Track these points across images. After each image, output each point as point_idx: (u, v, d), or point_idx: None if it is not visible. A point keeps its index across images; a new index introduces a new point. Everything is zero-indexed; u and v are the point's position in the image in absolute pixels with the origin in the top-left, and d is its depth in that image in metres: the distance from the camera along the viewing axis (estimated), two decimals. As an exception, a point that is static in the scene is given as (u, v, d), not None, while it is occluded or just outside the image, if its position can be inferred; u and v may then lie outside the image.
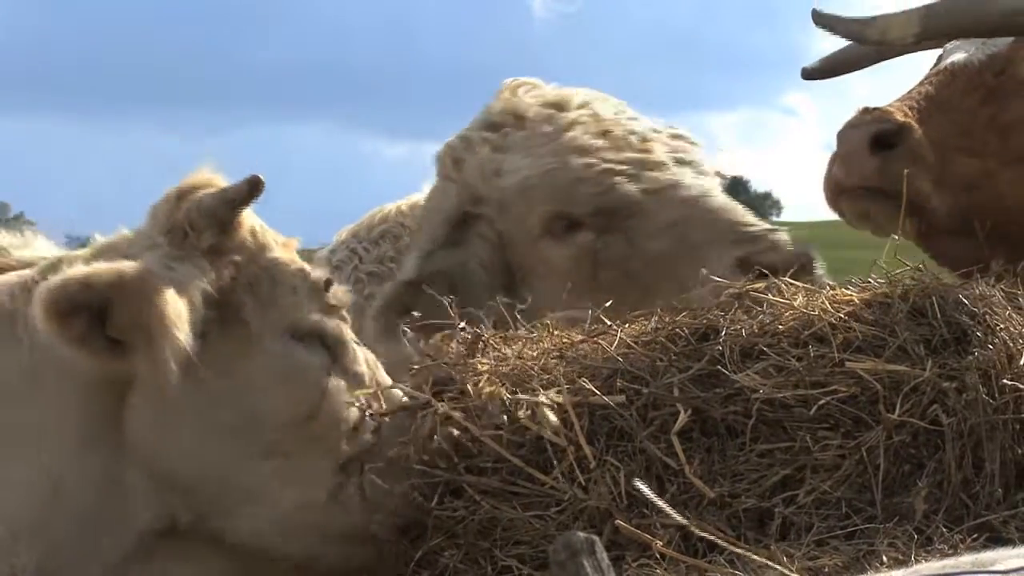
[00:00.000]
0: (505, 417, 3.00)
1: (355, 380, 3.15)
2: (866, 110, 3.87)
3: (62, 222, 3.14)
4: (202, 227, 3.01)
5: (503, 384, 3.07)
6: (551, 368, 3.11)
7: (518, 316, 3.34)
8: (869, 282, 3.24)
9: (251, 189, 3.01)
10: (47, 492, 2.93)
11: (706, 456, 2.94)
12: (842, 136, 3.88)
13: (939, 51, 4.20)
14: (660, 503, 2.82)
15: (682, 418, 2.94)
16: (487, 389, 3.06)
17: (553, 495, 2.92)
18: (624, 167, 4.07)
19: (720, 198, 4.04)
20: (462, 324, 3.26)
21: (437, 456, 3.01)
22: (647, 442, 2.93)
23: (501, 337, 3.26)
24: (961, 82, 3.95)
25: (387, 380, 3.24)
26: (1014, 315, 3.11)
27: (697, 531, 2.79)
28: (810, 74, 4.41)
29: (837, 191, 3.91)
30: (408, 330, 3.49)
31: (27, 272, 3.08)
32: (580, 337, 3.24)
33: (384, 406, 3.14)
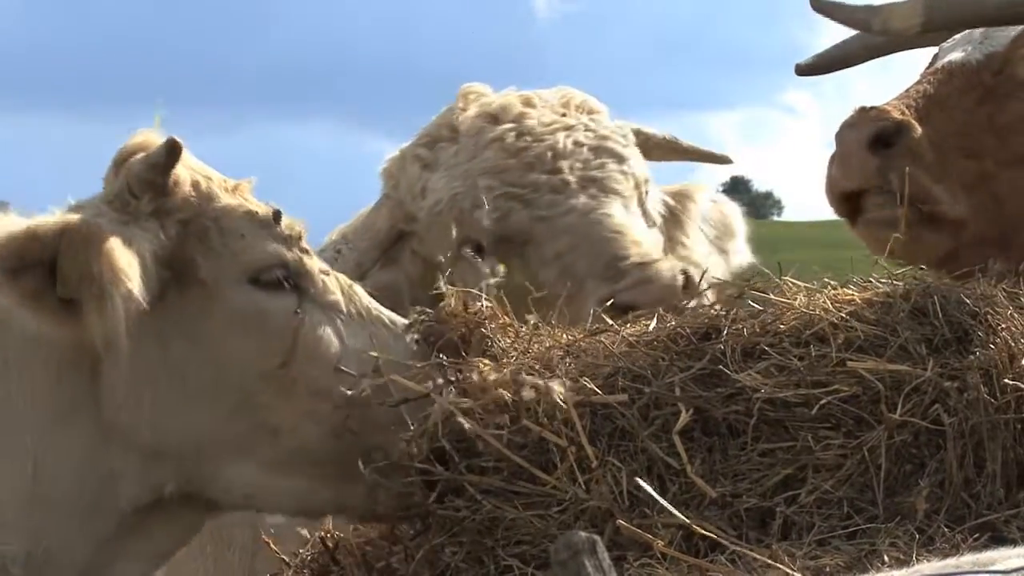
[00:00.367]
0: (508, 417, 3.00)
1: (330, 310, 3.10)
2: (863, 109, 3.83)
3: (48, 207, 3.12)
4: (139, 193, 2.97)
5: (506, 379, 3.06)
6: (553, 365, 3.10)
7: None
8: (870, 282, 3.24)
9: (169, 152, 2.96)
10: (28, 476, 2.92)
11: (708, 456, 2.94)
12: (840, 136, 3.85)
13: (934, 49, 4.18)
14: (662, 501, 2.82)
15: (684, 417, 2.93)
16: (492, 376, 3.04)
17: (555, 495, 2.92)
18: (523, 191, 4.07)
19: (611, 224, 3.98)
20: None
21: (439, 455, 3.00)
22: (649, 441, 2.93)
23: (506, 329, 3.24)
24: (959, 81, 3.92)
25: (370, 303, 3.19)
26: (1016, 315, 3.10)
27: (699, 529, 2.79)
28: (803, 70, 4.38)
29: (837, 191, 3.89)
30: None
31: None
32: (582, 335, 3.23)
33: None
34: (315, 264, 3.14)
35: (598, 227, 3.97)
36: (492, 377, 3.03)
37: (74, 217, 2.84)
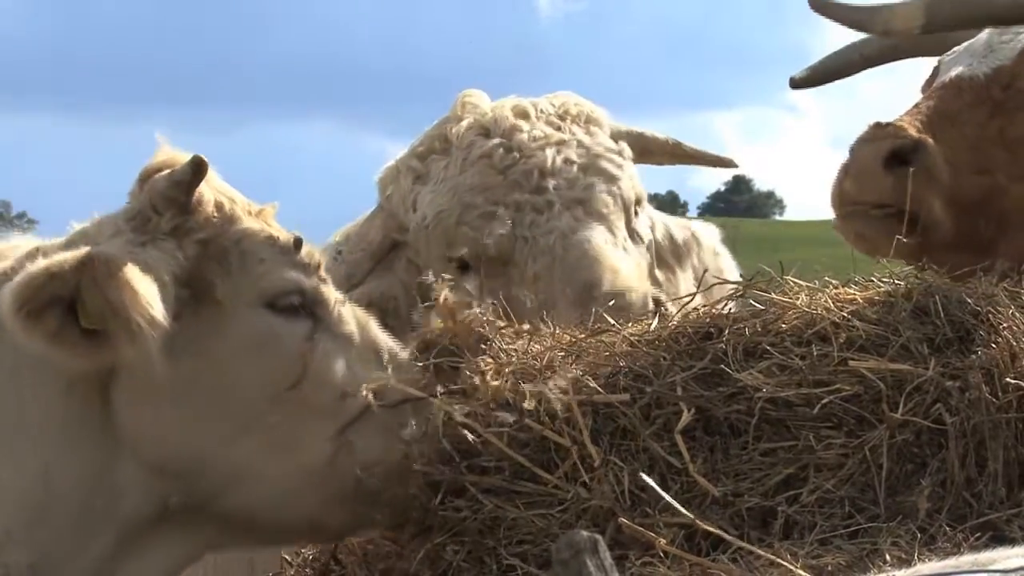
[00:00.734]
0: (510, 417, 3.00)
1: (342, 340, 3.11)
2: (879, 125, 3.79)
3: (65, 221, 3.12)
4: (161, 210, 2.98)
5: (507, 380, 3.07)
6: (555, 365, 3.10)
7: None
8: (872, 281, 3.24)
9: (195, 170, 2.97)
10: (38, 488, 2.92)
11: (709, 455, 2.94)
12: (856, 151, 3.80)
13: (933, 60, 4.16)
14: (667, 497, 2.82)
15: (685, 417, 2.94)
16: (493, 383, 3.05)
17: (557, 494, 2.92)
18: (506, 210, 4.05)
19: (589, 249, 3.95)
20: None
21: (440, 456, 3.01)
22: (650, 441, 2.93)
23: (510, 329, 3.25)
24: (968, 96, 3.88)
25: (383, 339, 3.20)
26: (1017, 314, 3.10)
27: (702, 526, 2.79)
28: (798, 83, 4.34)
29: (849, 206, 3.84)
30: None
31: (3, 264, 3.05)
32: (584, 335, 3.24)
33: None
34: (332, 294, 3.16)
35: (575, 251, 3.94)
36: (494, 382, 3.04)
37: (92, 251, 2.83)
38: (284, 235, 3.12)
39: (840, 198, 3.86)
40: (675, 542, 2.78)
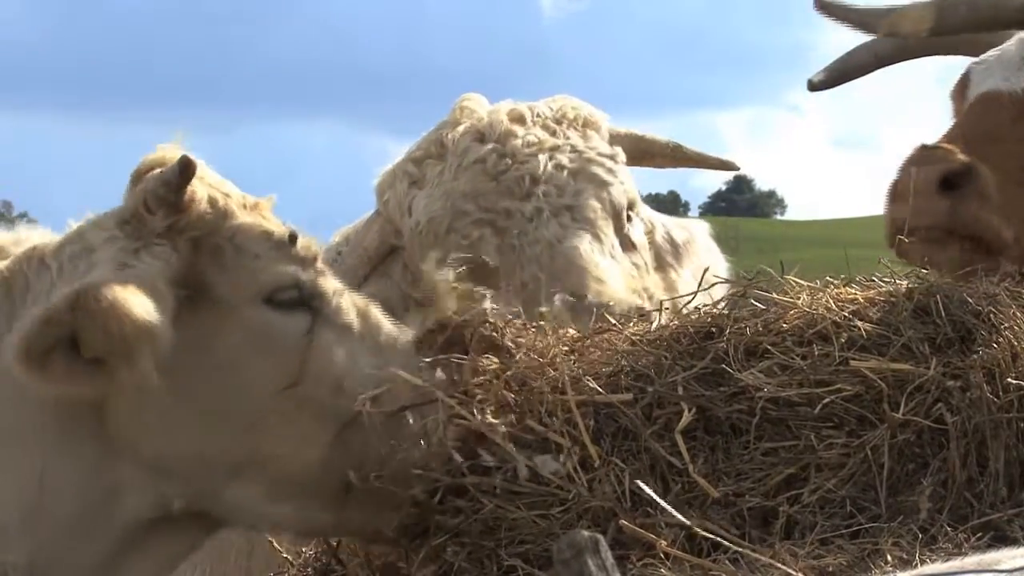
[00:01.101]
0: (512, 417, 3.00)
1: (343, 332, 3.09)
2: (926, 147, 3.73)
3: (66, 221, 3.12)
4: (153, 209, 2.96)
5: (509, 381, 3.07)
6: (558, 365, 3.10)
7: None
8: (873, 281, 3.24)
9: (183, 170, 2.95)
10: (33, 490, 2.92)
11: (710, 455, 2.94)
12: (906, 174, 3.74)
13: (944, 59, 4.13)
14: (663, 504, 2.82)
15: (686, 417, 2.94)
16: (495, 383, 3.05)
17: (557, 494, 2.92)
18: (496, 217, 4.05)
19: (575, 258, 3.95)
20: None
21: (441, 457, 3.00)
22: (651, 441, 2.93)
23: (518, 322, 3.24)
24: (1009, 112, 3.83)
25: (386, 326, 3.18)
26: (1019, 314, 3.11)
27: (700, 531, 2.79)
28: (816, 86, 4.29)
29: (899, 227, 3.77)
30: None
31: (0, 265, 3.06)
32: (585, 335, 3.24)
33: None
34: (330, 285, 3.13)
35: (561, 259, 3.95)
36: (497, 382, 3.04)
37: (78, 289, 2.81)
38: (279, 228, 3.10)
39: (893, 222, 3.79)
40: (676, 543, 2.78)
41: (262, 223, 3.09)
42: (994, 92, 3.89)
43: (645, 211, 4.38)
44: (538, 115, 4.28)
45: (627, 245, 4.17)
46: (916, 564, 2.59)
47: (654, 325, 3.23)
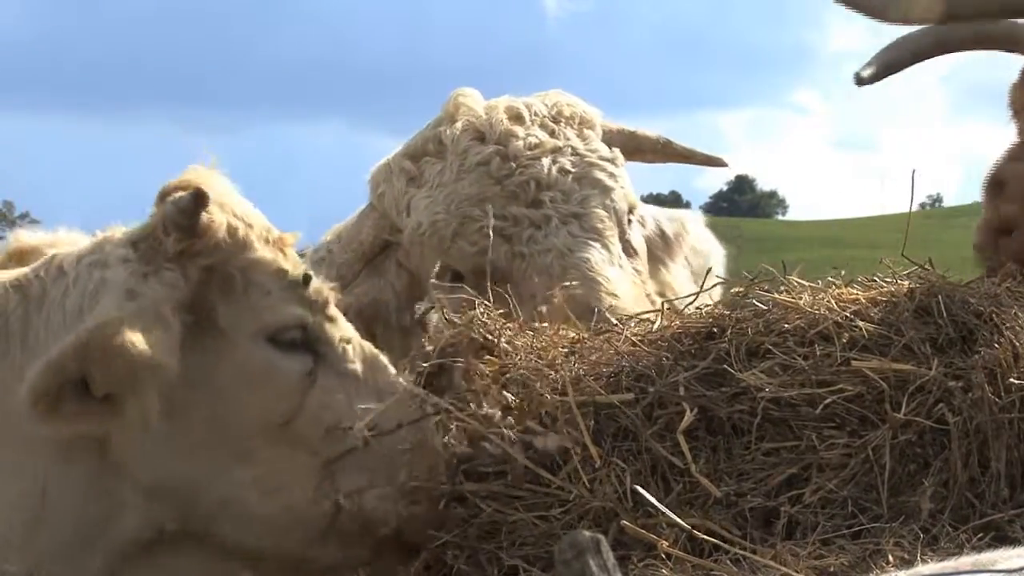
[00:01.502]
0: (511, 420, 3.00)
1: (346, 379, 3.10)
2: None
3: (69, 221, 3.12)
4: (169, 232, 2.97)
5: (507, 384, 3.07)
6: (559, 366, 3.10)
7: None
8: (875, 281, 3.24)
9: (195, 201, 2.95)
10: (35, 503, 2.93)
11: (712, 455, 2.94)
12: (1007, 170, 3.71)
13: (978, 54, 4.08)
14: (662, 508, 2.82)
15: (688, 417, 2.94)
16: (493, 387, 3.05)
17: (559, 495, 2.92)
18: (504, 224, 4.03)
19: (586, 269, 3.94)
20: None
21: (441, 469, 3.00)
22: (653, 441, 2.93)
23: (514, 325, 3.24)
24: None
25: (389, 377, 3.18)
26: (1020, 314, 3.11)
27: (699, 534, 2.79)
28: (864, 80, 4.21)
29: (1003, 223, 3.70)
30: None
31: (17, 271, 3.07)
32: (587, 335, 3.24)
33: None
34: (338, 331, 3.14)
35: (574, 272, 3.93)
36: (495, 386, 3.04)
37: (83, 334, 2.81)
38: (295, 269, 3.11)
39: (1000, 217, 3.71)
40: (677, 543, 2.78)
41: (278, 260, 3.09)
42: None
43: (639, 208, 4.38)
44: (535, 113, 4.26)
45: (629, 251, 4.17)
46: (917, 564, 2.59)
47: (655, 326, 3.23)
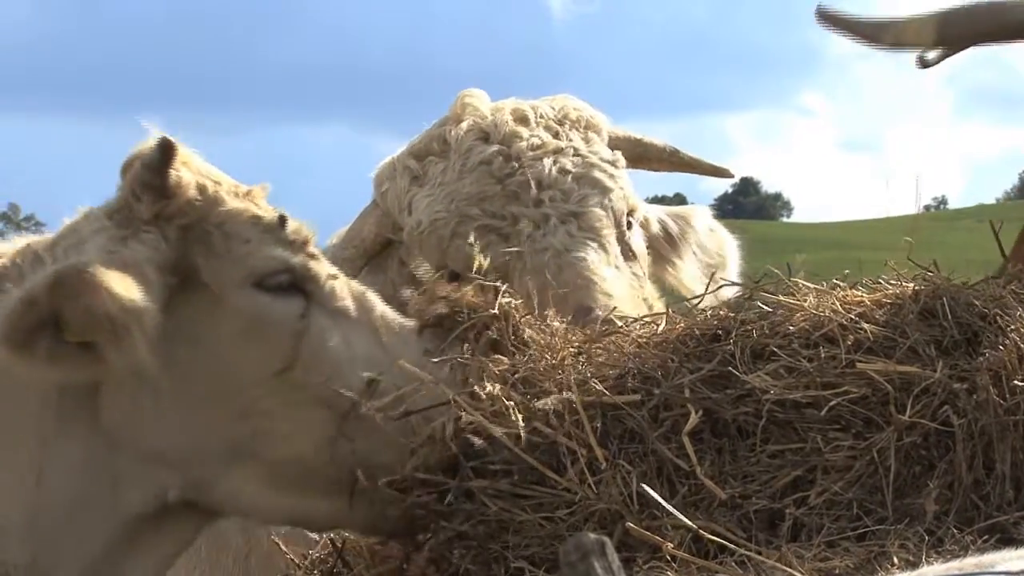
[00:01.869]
0: (519, 419, 3.00)
1: (338, 315, 3.09)
2: None
3: (63, 220, 3.13)
4: (140, 196, 2.95)
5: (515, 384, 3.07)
6: (565, 367, 3.10)
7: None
8: (880, 283, 3.24)
9: (162, 151, 2.94)
10: (32, 487, 2.91)
11: (717, 457, 2.94)
12: None
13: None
14: (669, 507, 2.82)
15: (693, 419, 2.94)
16: (501, 386, 3.05)
17: (564, 497, 2.92)
18: (503, 223, 4.04)
19: (583, 269, 3.94)
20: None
21: (448, 460, 3.00)
22: (658, 443, 2.93)
23: (531, 318, 3.24)
24: None
25: (382, 310, 3.17)
26: (1024, 315, 3.10)
27: (706, 535, 2.79)
28: (929, 63, 4.13)
29: None
30: None
31: None
32: (592, 337, 3.24)
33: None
34: (323, 269, 3.12)
35: (570, 271, 3.94)
36: (503, 385, 3.04)
37: (57, 269, 2.80)
38: (269, 212, 3.08)
39: None
40: (682, 545, 2.78)
41: (251, 208, 3.07)
42: None
43: (642, 207, 4.38)
44: (541, 115, 4.27)
45: (627, 254, 4.17)
46: (921, 566, 2.59)
47: (660, 328, 3.23)
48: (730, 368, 3.02)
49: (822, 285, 3.26)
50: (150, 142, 3.04)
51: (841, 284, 3.25)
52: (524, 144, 4.16)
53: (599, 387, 3.01)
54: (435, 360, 3.10)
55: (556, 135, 4.23)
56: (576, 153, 4.20)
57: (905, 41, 3.78)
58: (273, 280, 3.02)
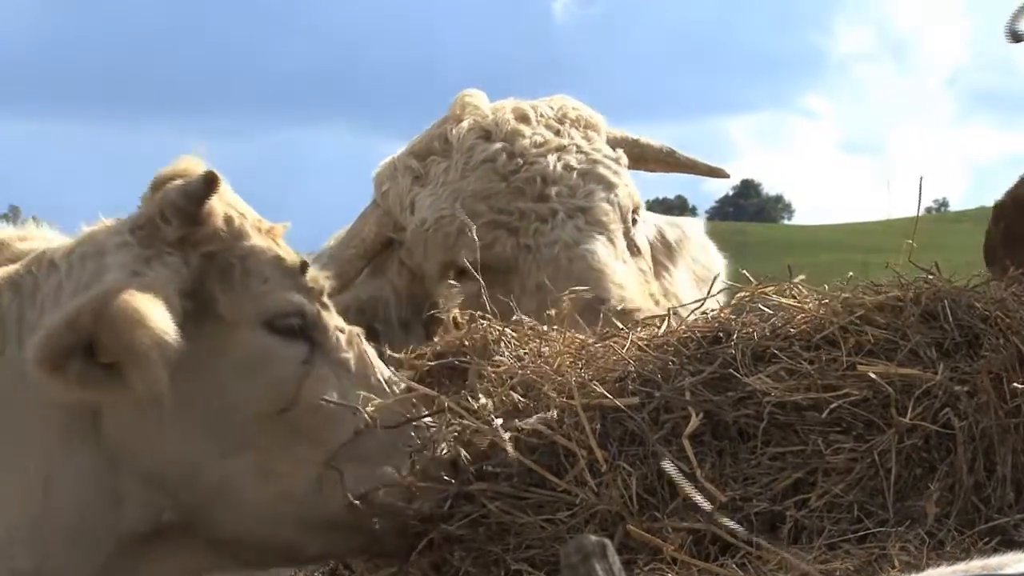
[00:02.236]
0: (517, 421, 3.00)
1: (338, 367, 3.11)
2: None
3: (75, 227, 3.13)
4: (170, 219, 2.97)
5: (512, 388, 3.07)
6: (564, 371, 3.11)
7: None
8: (881, 286, 3.24)
9: (207, 184, 2.97)
10: (38, 498, 2.93)
11: (718, 459, 2.94)
12: None
13: None
14: (687, 490, 2.82)
15: (694, 421, 2.94)
16: (499, 390, 3.06)
17: (564, 499, 2.92)
18: (510, 218, 4.04)
19: (594, 261, 3.95)
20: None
21: (448, 466, 3.01)
22: (659, 445, 2.93)
23: (519, 333, 3.25)
24: None
25: (381, 367, 3.20)
26: (1027, 318, 3.10)
27: (715, 530, 2.78)
28: (1020, 36, 4.02)
29: None
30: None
31: (11, 268, 3.07)
32: (593, 340, 3.24)
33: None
34: (332, 320, 3.15)
35: (580, 263, 3.94)
36: (500, 390, 3.05)
37: (101, 296, 2.82)
38: (291, 257, 3.12)
39: None
40: (683, 547, 2.78)
41: (275, 248, 3.10)
42: None
43: (640, 211, 4.38)
44: (541, 114, 4.28)
45: (633, 250, 4.17)
46: (923, 569, 2.59)
47: (661, 330, 3.23)
48: (731, 370, 3.02)
49: (823, 287, 3.26)
50: (187, 164, 3.06)
51: (842, 286, 3.24)
52: (527, 141, 4.17)
53: (600, 389, 3.01)
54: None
55: (557, 133, 4.24)
56: (579, 150, 4.20)
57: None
58: (284, 322, 3.05)
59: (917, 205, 3.70)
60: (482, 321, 3.26)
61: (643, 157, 4.47)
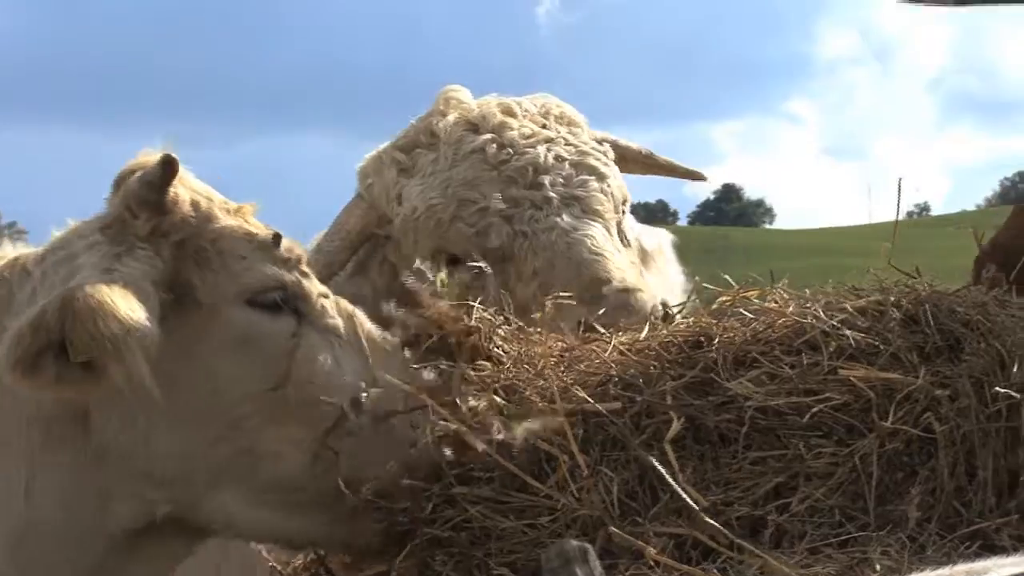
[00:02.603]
0: (499, 427, 2.99)
1: (328, 334, 3.09)
2: None
3: (51, 231, 3.12)
4: (137, 212, 2.96)
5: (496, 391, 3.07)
6: (547, 375, 3.10)
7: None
8: (862, 290, 3.24)
9: (165, 169, 2.94)
10: (20, 503, 2.91)
11: (699, 464, 2.94)
12: None
13: None
14: (676, 485, 2.82)
15: (675, 426, 2.93)
16: (483, 393, 3.05)
17: (546, 503, 2.91)
18: (504, 206, 4.02)
19: (592, 246, 3.93)
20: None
21: (430, 467, 3.00)
22: (640, 450, 2.93)
23: (506, 329, 3.24)
24: None
25: (371, 330, 3.17)
26: (1007, 322, 3.11)
27: (706, 522, 2.78)
28: None
29: None
30: None
31: None
32: (574, 344, 3.24)
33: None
34: (314, 287, 3.12)
35: (579, 247, 3.92)
36: (484, 392, 3.04)
37: (66, 294, 2.78)
38: (263, 231, 3.09)
39: None
40: (665, 551, 2.78)
41: (245, 225, 3.08)
42: None
43: (628, 206, 4.39)
44: (526, 110, 4.30)
45: (624, 242, 4.18)
46: (905, 573, 2.59)
47: (643, 334, 3.23)
48: (712, 375, 3.02)
49: (804, 292, 3.26)
50: (147, 157, 3.04)
51: (823, 290, 3.24)
52: (515, 133, 4.18)
53: (581, 394, 3.01)
54: (417, 368, 3.09)
55: (544, 127, 4.25)
56: (568, 143, 4.21)
57: None
58: (266, 297, 3.03)
59: (896, 208, 3.71)
60: (478, 312, 3.23)
61: (623, 158, 4.48)
